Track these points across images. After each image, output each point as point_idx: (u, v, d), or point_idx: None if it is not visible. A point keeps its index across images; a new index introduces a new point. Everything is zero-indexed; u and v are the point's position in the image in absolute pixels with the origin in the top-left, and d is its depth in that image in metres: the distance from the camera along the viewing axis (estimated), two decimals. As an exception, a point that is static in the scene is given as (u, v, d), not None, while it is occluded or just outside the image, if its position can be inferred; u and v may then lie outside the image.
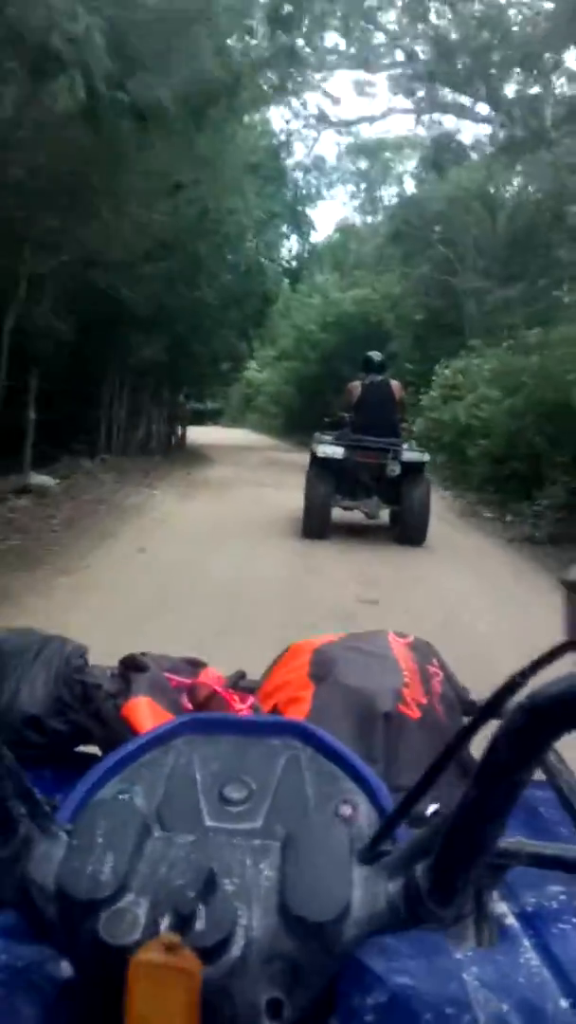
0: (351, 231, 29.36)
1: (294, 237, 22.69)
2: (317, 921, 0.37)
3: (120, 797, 0.47)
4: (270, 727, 0.56)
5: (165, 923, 0.36)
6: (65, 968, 0.38)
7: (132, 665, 0.78)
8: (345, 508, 6.49)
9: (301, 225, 21.56)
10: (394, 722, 0.71)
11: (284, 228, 20.99)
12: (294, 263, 22.80)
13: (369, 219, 30.26)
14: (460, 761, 0.48)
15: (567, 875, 0.48)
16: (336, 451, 6.33)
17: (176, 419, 19.36)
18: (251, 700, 0.78)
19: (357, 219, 29.96)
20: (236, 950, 0.36)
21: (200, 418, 39.21)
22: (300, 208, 19.83)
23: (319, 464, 6.15)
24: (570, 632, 0.74)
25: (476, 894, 0.40)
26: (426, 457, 6.27)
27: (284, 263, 21.28)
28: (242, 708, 0.78)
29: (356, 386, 6.72)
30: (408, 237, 18.47)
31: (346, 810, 0.48)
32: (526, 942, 0.43)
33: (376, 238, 26.42)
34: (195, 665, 0.84)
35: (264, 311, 18.54)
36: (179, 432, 20.33)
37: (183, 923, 0.37)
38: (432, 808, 0.39)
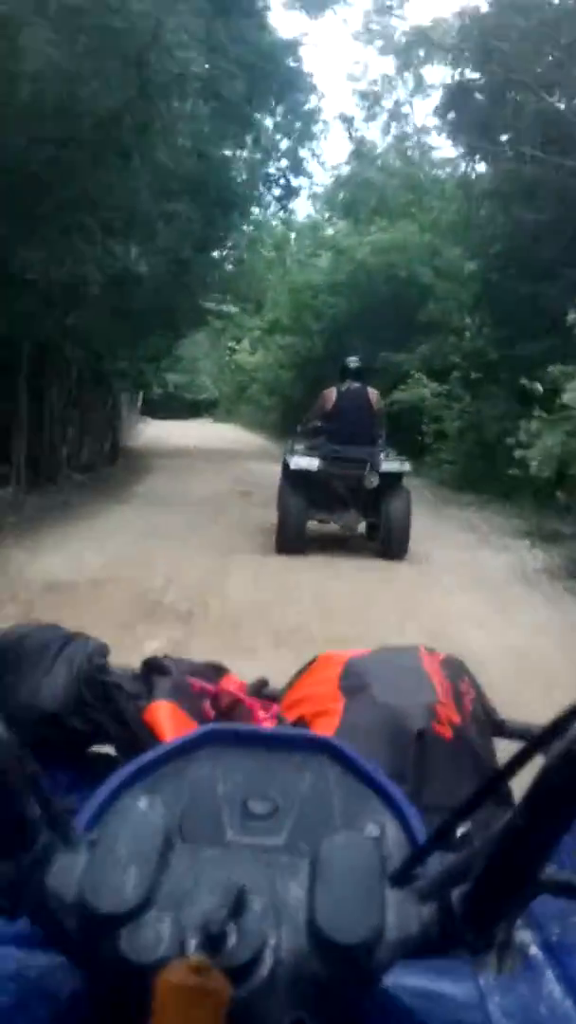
0: (367, 155, 17.48)
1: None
2: (349, 944, 0.36)
3: (142, 806, 0.46)
4: (297, 742, 0.56)
5: (192, 941, 0.35)
6: (78, 980, 0.38)
7: (155, 667, 0.77)
8: (320, 522, 6.47)
9: (291, 103, 14.76)
10: (427, 741, 0.68)
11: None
12: (282, 179, 17.34)
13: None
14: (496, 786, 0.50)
15: None
16: (311, 463, 6.19)
17: (109, 420, 16.02)
18: (275, 709, 0.76)
19: (377, 135, 22.65)
20: (264, 971, 0.36)
21: (196, 410, 35.99)
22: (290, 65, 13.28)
23: (293, 476, 6.11)
24: None
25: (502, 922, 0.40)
26: (407, 467, 6.21)
27: (272, 171, 16.38)
28: (266, 718, 0.75)
29: (331, 392, 6.52)
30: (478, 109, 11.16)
31: (374, 831, 0.48)
32: (549, 972, 0.43)
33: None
34: (217, 670, 0.82)
35: (227, 235, 13.89)
36: (112, 439, 16.59)
37: (212, 943, 0.35)
38: (461, 830, 0.42)
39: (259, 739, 0.54)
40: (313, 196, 22.16)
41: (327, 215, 23.82)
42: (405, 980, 0.37)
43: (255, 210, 16.30)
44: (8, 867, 0.38)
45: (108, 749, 0.70)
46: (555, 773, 0.34)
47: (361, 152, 21.96)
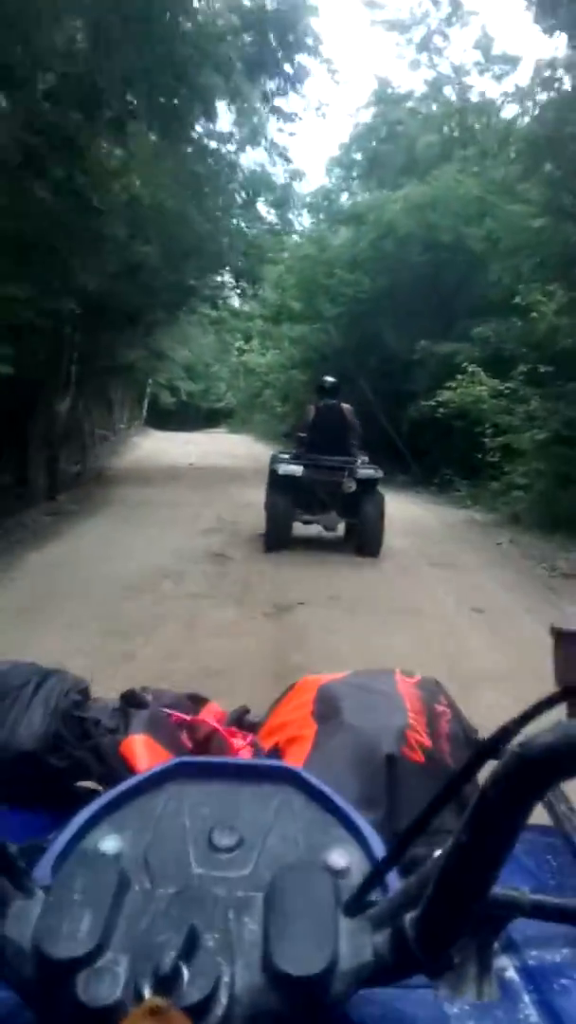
0: (392, 98, 11.13)
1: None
2: (301, 975, 0.37)
3: (101, 848, 0.48)
4: (262, 772, 0.57)
5: (146, 984, 0.36)
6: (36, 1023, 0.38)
7: (132, 701, 0.80)
8: (305, 522, 7.62)
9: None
10: (397, 765, 0.71)
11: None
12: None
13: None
14: (465, 803, 0.55)
15: (572, 927, 0.48)
16: (295, 469, 7.36)
17: (58, 438, 12.62)
18: (251, 738, 0.80)
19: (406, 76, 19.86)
20: (220, 1008, 0.36)
21: (214, 420, 35.08)
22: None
23: (280, 481, 7.30)
24: (562, 681, 0.73)
25: (478, 947, 0.44)
26: (380, 474, 7.50)
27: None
28: (242, 746, 0.78)
29: (311, 408, 7.85)
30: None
31: (338, 860, 0.49)
32: (526, 997, 0.44)
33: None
34: (196, 701, 0.86)
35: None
36: (83, 459, 14.77)
37: (167, 983, 0.36)
38: (437, 853, 0.41)
39: (226, 770, 0.56)
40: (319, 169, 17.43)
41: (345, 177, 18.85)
42: (372, 1013, 0.39)
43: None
44: None
45: (94, 785, 0.73)
46: (493, 790, 0.35)
47: (385, 95, 17.08)
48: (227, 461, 18.72)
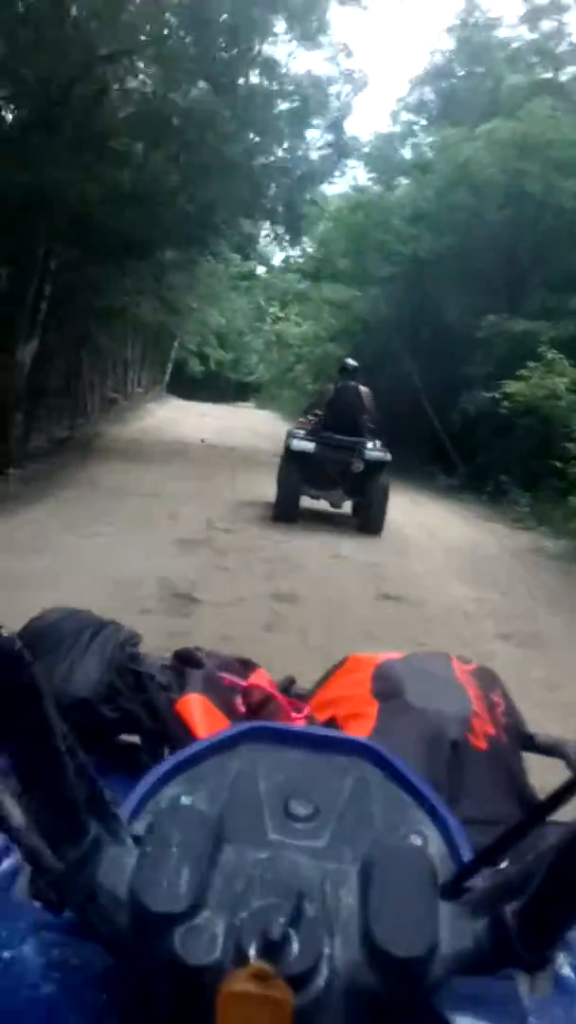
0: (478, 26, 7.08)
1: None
2: (405, 957, 0.36)
3: (188, 803, 0.49)
4: (340, 744, 0.57)
5: (251, 947, 0.36)
6: (121, 976, 0.40)
7: (187, 659, 0.81)
8: (312, 497, 8.18)
9: None
10: (461, 751, 0.71)
11: None
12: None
13: None
14: (519, 793, 0.62)
15: None
16: (308, 446, 7.78)
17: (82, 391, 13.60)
18: (307, 710, 0.80)
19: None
20: (322, 981, 0.36)
21: (243, 393, 33.11)
22: None
23: (293, 456, 7.80)
24: None
25: None
26: (388, 457, 7.86)
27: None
28: (297, 717, 0.79)
29: (330, 388, 8.32)
30: None
31: (416, 840, 0.49)
32: None
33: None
34: (246, 665, 0.86)
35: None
36: (72, 424, 13.28)
37: (272, 949, 0.36)
38: (497, 837, 0.43)
39: (300, 739, 0.57)
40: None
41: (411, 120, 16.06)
42: (455, 998, 0.39)
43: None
44: (56, 860, 0.39)
45: (132, 738, 0.76)
46: None
47: (472, 22, 14.21)
48: (245, 439, 17.13)
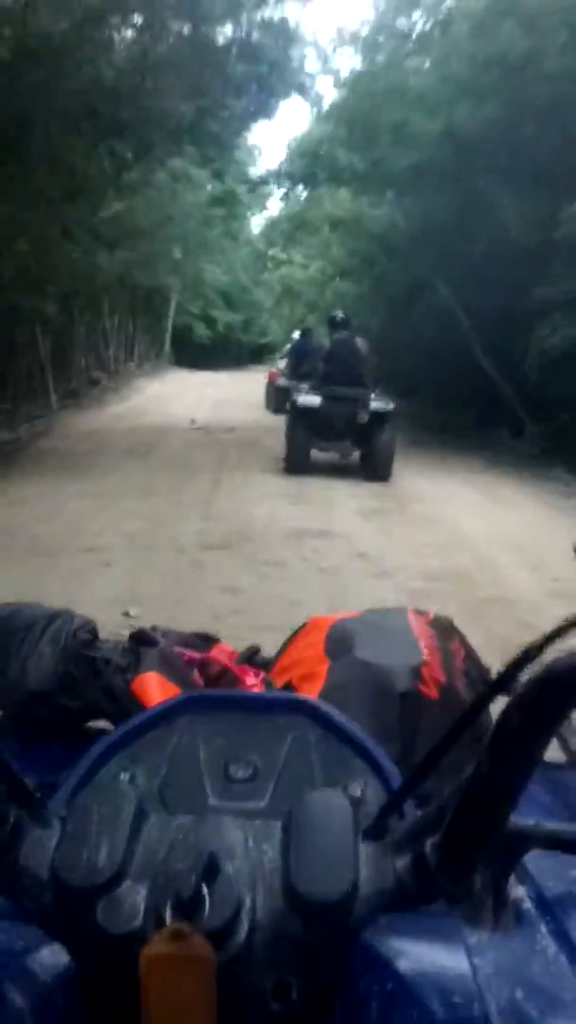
0: None
1: None
2: (323, 900, 0.39)
3: (118, 778, 0.51)
4: (277, 704, 0.60)
5: (168, 909, 0.39)
6: (61, 954, 0.41)
7: (142, 639, 0.83)
8: (321, 450, 8.74)
9: None
10: (412, 701, 0.76)
11: None
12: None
13: None
14: (478, 736, 0.67)
15: None
16: (314, 400, 8.19)
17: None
18: (263, 676, 0.83)
19: None
20: (242, 933, 0.39)
21: (259, 357, 30.98)
22: None
23: (299, 412, 8.34)
24: None
25: (494, 878, 0.45)
26: (391, 406, 8.36)
27: None
28: (255, 683, 0.81)
29: (326, 341, 8.92)
30: None
31: (354, 790, 0.52)
32: (543, 928, 0.44)
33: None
34: (207, 640, 0.89)
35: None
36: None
37: (188, 908, 0.38)
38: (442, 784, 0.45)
39: (239, 703, 0.59)
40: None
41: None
42: (391, 939, 0.40)
43: None
44: None
45: (106, 724, 0.79)
46: (512, 717, 0.37)
47: None
48: (248, 415, 14.63)
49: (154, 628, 0.83)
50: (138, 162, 11.32)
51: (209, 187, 17.95)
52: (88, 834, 0.40)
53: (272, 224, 24.35)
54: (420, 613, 0.86)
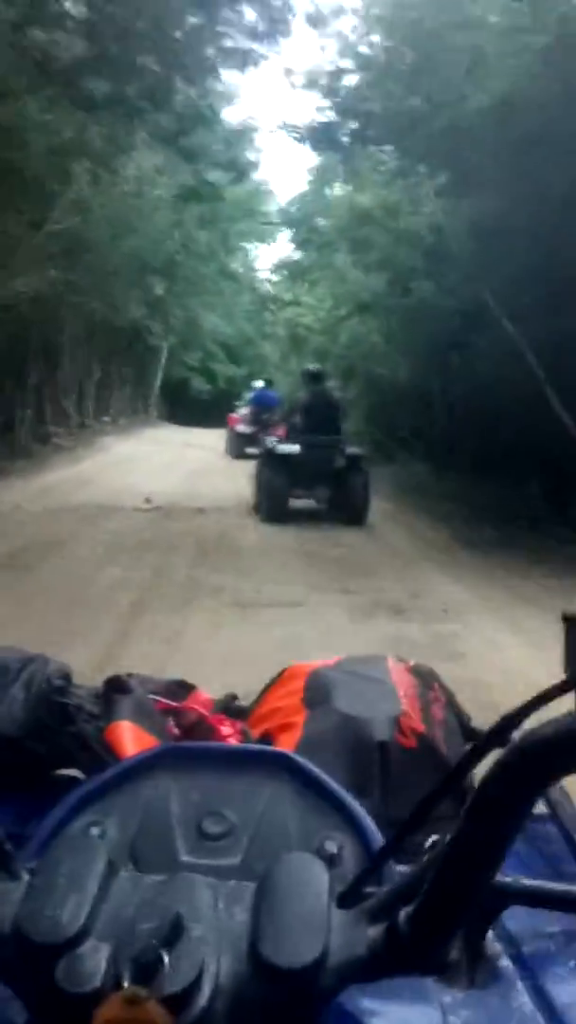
0: None
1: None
2: (289, 967, 0.38)
3: (88, 832, 0.51)
4: (253, 757, 0.60)
5: (126, 972, 0.39)
6: (22, 1010, 0.42)
7: (116, 687, 0.82)
8: (297, 497, 9.52)
9: None
10: (390, 752, 0.75)
11: None
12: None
13: None
14: (459, 790, 0.63)
15: (566, 915, 0.50)
16: (293, 448, 8.96)
17: None
18: (240, 726, 0.83)
19: None
20: (203, 999, 0.39)
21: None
22: None
23: (277, 459, 9.09)
24: (570, 669, 0.72)
25: (471, 935, 0.46)
26: (363, 451, 9.58)
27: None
28: (231, 734, 0.81)
29: (302, 395, 9.87)
30: None
31: (331, 847, 0.52)
32: (520, 984, 0.45)
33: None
34: (183, 687, 0.89)
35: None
36: None
37: (147, 972, 0.38)
38: (431, 840, 0.48)
39: (216, 756, 0.59)
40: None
41: None
42: (363, 1002, 0.42)
43: None
44: None
45: (76, 772, 0.79)
46: (493, 783, 0.36)
47: None
48: (228, 489, 11.25)
49: (129, 675, 0.82)
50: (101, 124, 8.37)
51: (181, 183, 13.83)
52: (54, 888, 0.39)
53: (279, 266, 21.96)
54: (400, 660, 0.86)
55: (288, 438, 8.79)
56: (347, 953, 0.37)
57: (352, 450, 8.86)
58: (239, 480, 10.93)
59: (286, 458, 8.51)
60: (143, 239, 14.27)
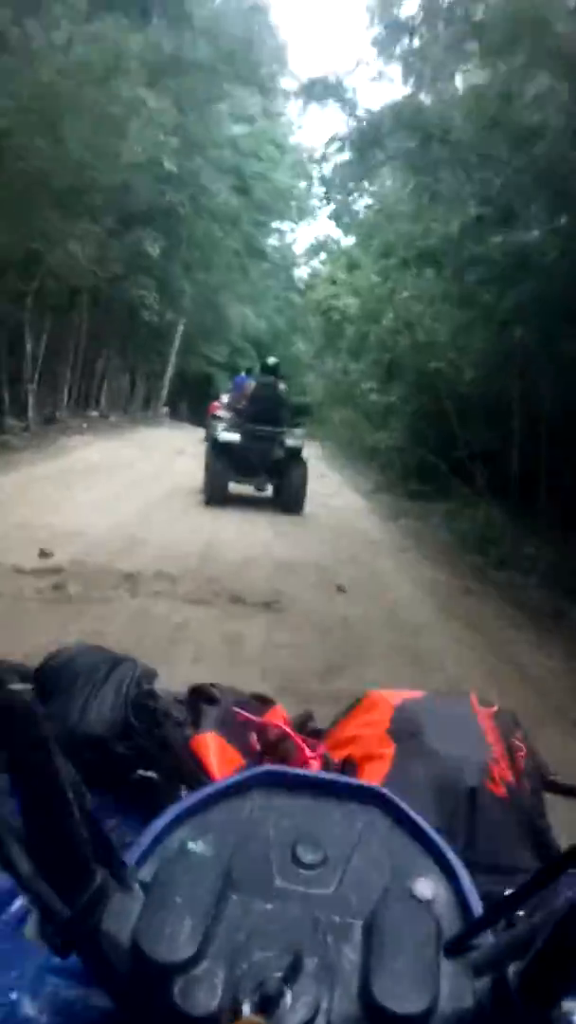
0: None
1: None
2: (403, 1014, 0.39)
3: (196, 850, 0.51)
4: (349, 790, 0.62)
5: (246, 999, 0.40)
6: (122, 1021, 0.49)
7: (202, 695, 0.89)
8: (238, 483, 11.07)
9: None
10: (479, 798, 0.77)
11: None
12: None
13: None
14: (539, 842, 0.71)
15: None
16: (233, 436, 10.26)
17: None
18: (322, 749, 0.89)
19: None
20: None
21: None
22: None
23: (219, 447, 10.62)
24: None
25: None
26: (302, 443, 11.23)
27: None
28: (313, 756, 0.86)
29: (250, 384, 11.65)
30: None
31: (425, 891, 0.52)
32: None
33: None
34: (263, 701, 0.94)
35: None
36: None
37: (268, 1004, 0.40)
38: (507, 892, 0.48)
39: (314, 784, 0.62)
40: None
41: None
42: None
43: None
44: (63, 906, 0.43)
45: (150, 774, 0.83)
46: None
47: None
48: (205, 529, 7.56)
49: (214, 685, 0.87)
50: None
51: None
52: (172, 908, 0.42)
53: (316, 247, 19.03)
54: (484, 704, 0.88)
55: (231, 427, 10.76)
56: (455, 1004, 0.39)
57: (292, 442, 10.81)
58: (230, 516, 8.35)
59: (227, 446, 10.37)
60: (103, 144, 9.54)
